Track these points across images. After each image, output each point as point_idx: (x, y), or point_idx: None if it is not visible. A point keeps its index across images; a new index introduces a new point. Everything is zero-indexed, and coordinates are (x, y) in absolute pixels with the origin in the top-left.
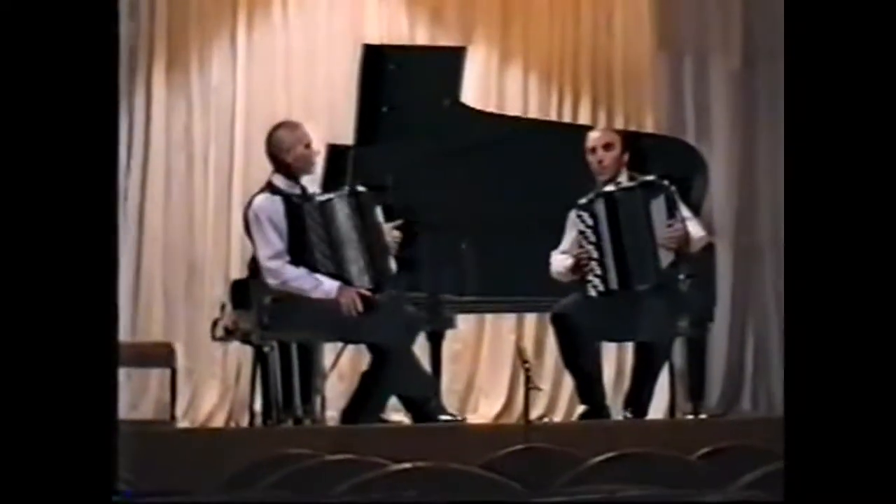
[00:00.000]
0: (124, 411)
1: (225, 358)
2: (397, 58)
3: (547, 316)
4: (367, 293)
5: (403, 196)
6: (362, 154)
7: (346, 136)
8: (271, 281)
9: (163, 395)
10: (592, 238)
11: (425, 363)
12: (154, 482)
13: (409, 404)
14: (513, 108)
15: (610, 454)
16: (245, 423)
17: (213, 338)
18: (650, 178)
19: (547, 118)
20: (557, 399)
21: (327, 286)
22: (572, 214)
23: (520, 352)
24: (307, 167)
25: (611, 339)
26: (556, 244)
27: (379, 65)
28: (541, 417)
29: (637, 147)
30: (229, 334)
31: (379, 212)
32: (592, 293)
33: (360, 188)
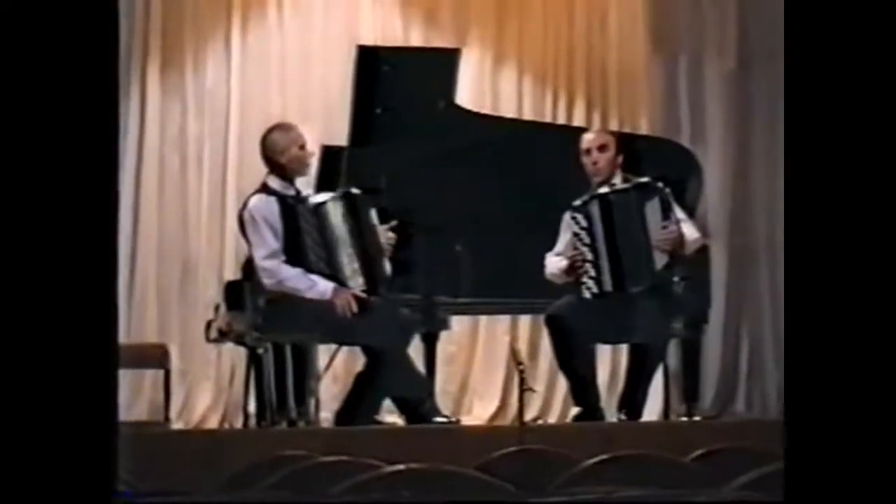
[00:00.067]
0: (119, 412)
1: (219, 359)
2: (392, 59)
3: (541, 318)
4: (362, 295)
5: (398, 198)
6: (356, 155)
7: (341, 138)
8: (267, 281)
9: (157, 397)
10: (587, 240)
11: (419, 365)
12: (148, 483)
13: (403, 406)
14: (507, 110)
15: (604, 456)
16: (239, 424)
17: (207, 339)
18: (645, 179)
19: (541, 120)
20: (552, 401)
21: (322, 287)
22: (567, 216)
23: (514, 353)
24: (302, 169)
25: (605, 341)
26: (550, 246)
27: (373, 66)
28: (535, 419)
29: (631, 149)
30: (223, 336)
31: (373, 214)
32: (587, 295)
33: (355, 190)
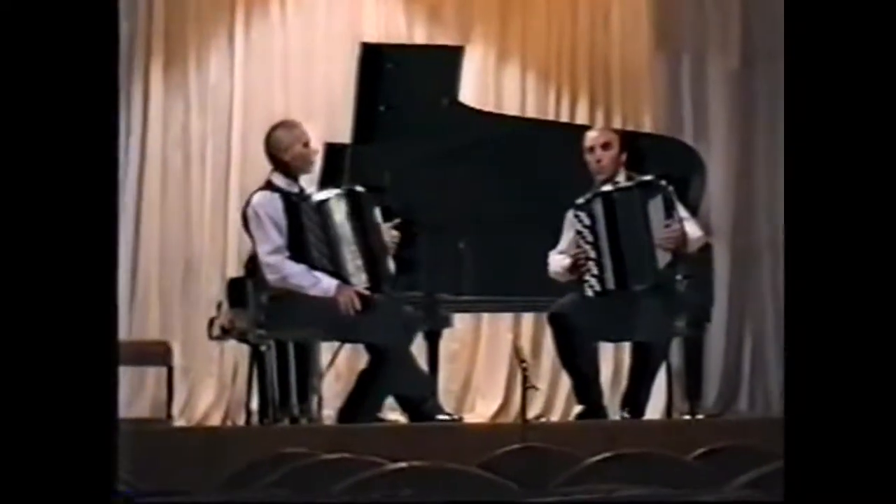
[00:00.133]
0: (120, 409)
1: (221, 356)
2: (395, 57)
3: (544, 316)
4: (365, 292)
5: (401, 195)
6: (360, 153)
7: (344, 135)
8: (270, 276)
9: (159, 394)
10: (590, 238)
11: (422, 363)
12: (151, 481)
13: (406, 404)
14: (510, 108)
15: (607, 454)
16: (242, 421)
17: (210, 336)
18: (648, 177)
19: (545, 117)
20: (554, 399)
21: (325, 284)
22: (570, 214)
23: (517, 351)
24: (305, 166)
25: (608, 339)
26: (553, 244)
27: (377, 64)
28: (538, 417)
29: (635, 147)
30: (226, 333)
31: (377, 212)
32: (590, 293)
33: (359, 188)
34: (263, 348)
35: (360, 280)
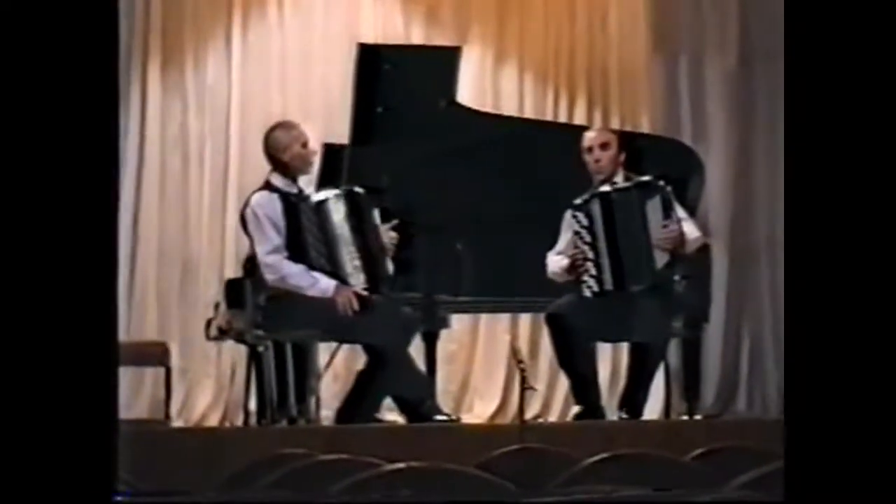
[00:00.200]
0: (119, 410)
1: (219, 357)
2: (393, 57)
3: (542, 316)
4: (364, 293)
5: (399, 196)
6: (357, 154)
7: (342, 136)
8: (269, 276)
9: (157, 395)
10: (588, 238)
11: (420, 363)
12: (149, 481)
13: (403, 404)
14: (508, 108)
15: (605, 455)
16: (240, 422)
17: (208, 337)
18: (646, 178)
19: (542, 118)
20: (552, 399)
21: (324, 284)
22: (568, 215)
23: (514, 352)
24: (304, 167)
25: (606, 340)
26: (551, 244)
27: (374, 64)
28: (535, 418)
29: (633, 147)
30: (223, 334)
31: (375, 212)
32: (587, 293)
33: (357, 189)
34: (261, 349)
35: (358, 281)
